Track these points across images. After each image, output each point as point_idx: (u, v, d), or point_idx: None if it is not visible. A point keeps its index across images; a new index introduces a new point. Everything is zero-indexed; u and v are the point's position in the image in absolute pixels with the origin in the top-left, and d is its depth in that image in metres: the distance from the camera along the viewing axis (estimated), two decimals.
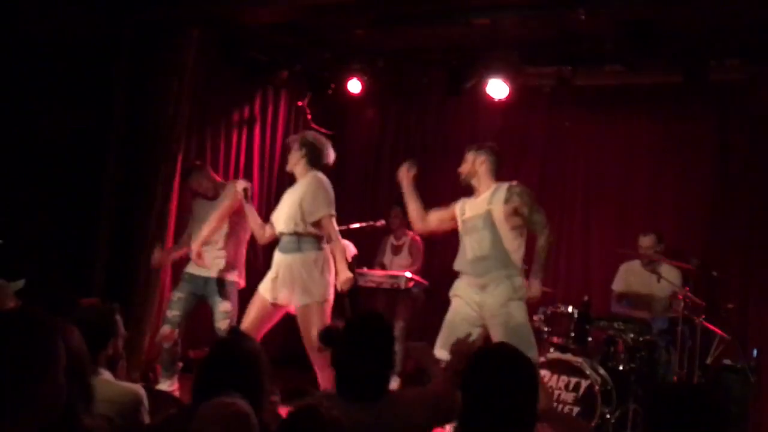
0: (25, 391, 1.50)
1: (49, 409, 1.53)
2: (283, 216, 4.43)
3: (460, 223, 4.24)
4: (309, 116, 6.66)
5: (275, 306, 4.37)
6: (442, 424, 2.73)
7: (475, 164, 4.19)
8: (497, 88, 5.83)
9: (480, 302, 4.04)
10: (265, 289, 4.40)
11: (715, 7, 4.80)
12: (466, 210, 4.22)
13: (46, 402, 1.53)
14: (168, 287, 5.24)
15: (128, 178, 5.13)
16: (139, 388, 2.63)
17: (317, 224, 4.33)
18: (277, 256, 4.44)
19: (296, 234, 4.35)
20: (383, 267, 6.02)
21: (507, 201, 4.07)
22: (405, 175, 4.34)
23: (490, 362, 2.01)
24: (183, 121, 5.14)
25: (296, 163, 4.52)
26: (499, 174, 4.22)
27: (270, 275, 4.42)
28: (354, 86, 6.29)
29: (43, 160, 4.80)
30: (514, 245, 4.06)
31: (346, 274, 4.32)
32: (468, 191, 4.30)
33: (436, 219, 4.38)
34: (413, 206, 4.37)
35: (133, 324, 4.77)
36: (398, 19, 5.37)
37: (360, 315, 2.61)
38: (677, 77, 5.40)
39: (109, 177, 5.10)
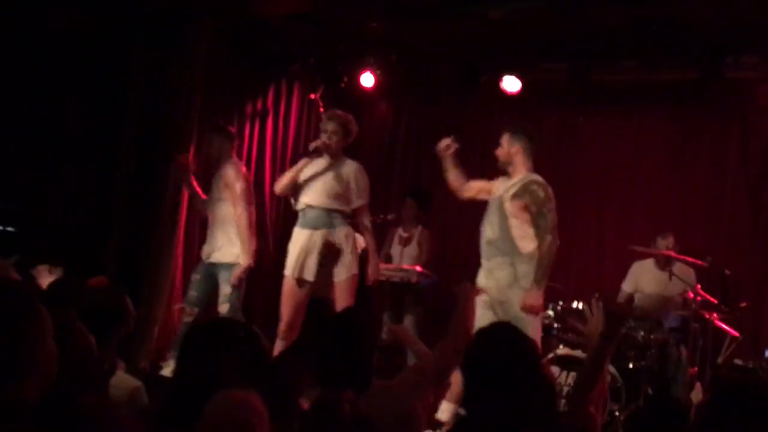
0: (19, 356, 1.54)
1: (45, 373, 1.56)
2: (320, 190, 4.45)
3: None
4: (321, 109, 6.64)
5: (310, 285, 4.42)
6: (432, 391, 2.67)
7: (511, 152, 4.21)
8: (511, 83, 5.81)
9: (485, 286, 4.10)
10: (295, 271, 4.42)
11: (732, 3, 4.74)
12: (494, 190, 4.30)
13: (40, 367, 1.57)
14: (179, 277, 5.26)
15: (141, 168, 5.16)
16: (135, 381, 2.65)
17: (354, 209, 4.54)
18: (305, 233, 4.44)
19: (329, 210, 4.45)
20: (389, 259, 6.01)
21: (518, 196, 4.09)
22: (446, 148, 4.37)
23: (489, 342, 2.01)
24: (195, 112, 5.15)
25: (332, 140, 4.49)
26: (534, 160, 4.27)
27: (296, 254, 4.42)
28: (367, 80, 6.27)
29: (58, 149, 4.85)
30: (521, 233, 4.07)
31: (377, 265, 4.61)
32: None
33: (475, 187, 4.44)
34: (453, 173, 4.40)
35: (144, 313, 4.81)
36: (412, 11, 5.35)
37: (337, 313, 2.63)
38: (694, 74, 5.36)
39: (123, 167, 5.13)
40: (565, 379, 4.72)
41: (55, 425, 1.37)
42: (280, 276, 4.60)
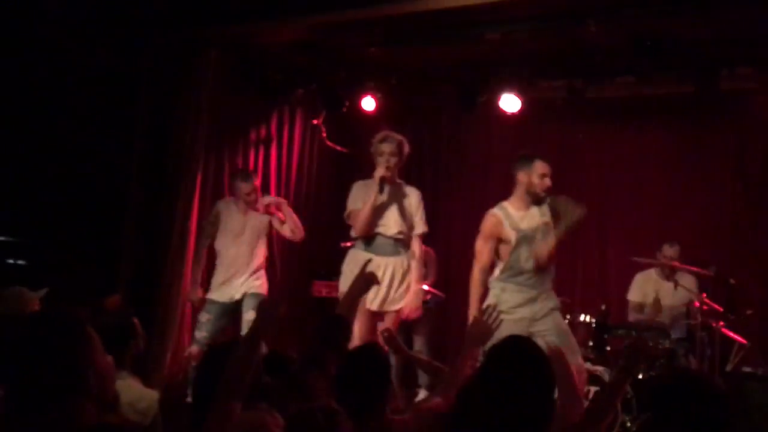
0: (76, 376, 1.61)
1: (103, 384, 1.62)
2: (393, 218, 4.49)
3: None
4: (324, 134, 6.75)
5: (376, 315, 4.42)
6: None
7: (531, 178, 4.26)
8: (510, 102, 5.89)
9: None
10: (374, 303, 4.39)
11: (725, 16, 4.84)
12: (518, 225, 4.23)
13: (97, 380, 1.62)
14: (189, 306, 5.30)
15: (150, 197, 5.23)
16: (154, 393, 2.69)
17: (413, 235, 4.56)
18: (378, 260, 4.33)
19: (395, 239, 4.49)
20: None
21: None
22: None
23: (504, 355, 2.03)
24: (202, 140, 5.24)
25: (390, 163, 4.44)
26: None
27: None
28: (368, 104, 6.36)
29: (68, 176, 4.92)
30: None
31: (419, 296, 4.61)
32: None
33: (491, 257, 4.31)
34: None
35: (155, 341, 4.84)
36: (410, 35, 5.46)
37: (358, 346, 2.66)
38: (689, 87, 5.44)
39: (132, 196, 5.21)
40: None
41: None
42: (291, 301, 4.66)
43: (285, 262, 6.24)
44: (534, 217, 4.20)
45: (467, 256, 6.27)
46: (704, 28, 5.02)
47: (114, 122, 5.12)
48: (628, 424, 4.64)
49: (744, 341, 4.88)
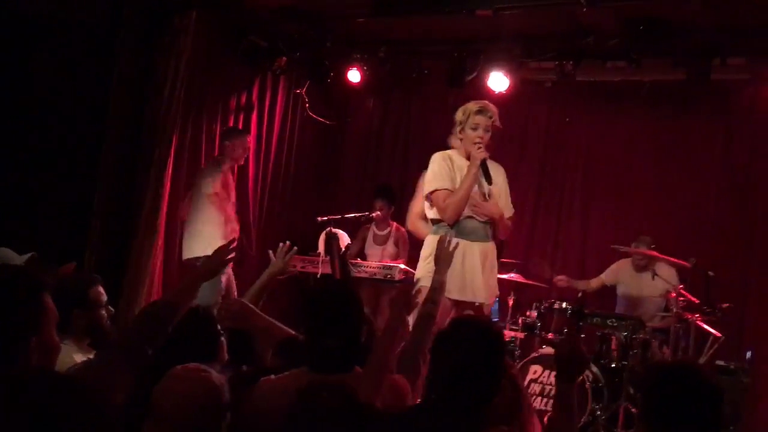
0: (17, 342, 1.58)
1: (45, 359, 1.56)
2: (504, 202, 3.94)
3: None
4: (307, 105, 6.62)
5: (460, 305, 3.75)
6: None
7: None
8: (498, 81, 5.79)
9: None
10: (464, 293, 3.75)
11: (720, 5, 4.75)
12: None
13: (39, 351, 1.60)
14: (159, 272, 5.20)
15: (124, 161, 5.09)
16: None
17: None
18: (465, 243, 3.69)
19: (486, 222, 3.88)
20: (363, 257, 5.98)
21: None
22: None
23: (458, 332, 2.09)
24: (178, 106, 5.08)
25: (485, 138, 3.83)
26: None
27: (453, 268, 3.47)
28: (354, 76, 6.24)
29: (39, 140, 4.76)
30: None
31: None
32: None
33: None
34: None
35: (124, 306, 4.75)
36: (400, 7, 5.32)
37: (325, 287, 2.58)
38: (680, 75, 5.36)
39: (105, 159, 5.06)
40: (548, 378, 4.71)
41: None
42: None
43: (261, 235, 6.13)
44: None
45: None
46: (698, 16, 4.93)
47: (88, 83, 4.95)
48: (598, 413, 4.62)
49: (718, 334, 4.86)
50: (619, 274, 5.60)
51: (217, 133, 5.77)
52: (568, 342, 2.36)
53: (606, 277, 5.66)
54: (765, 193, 5.73)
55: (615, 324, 4.94)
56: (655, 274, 5.12)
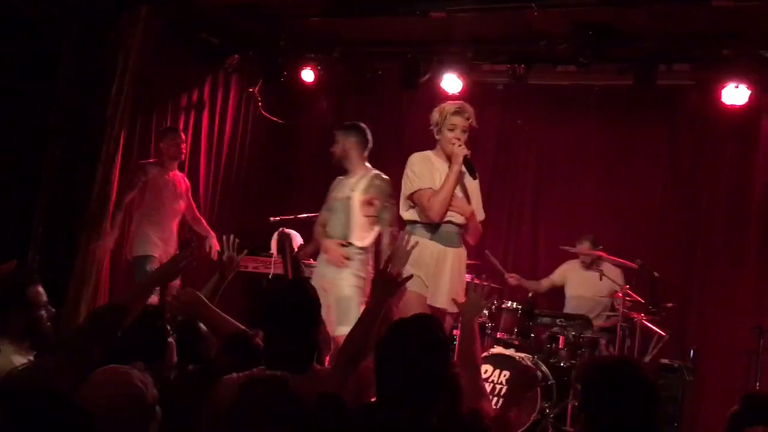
0: None
1: None
2: (477, 205, 3.89)
3: (328, 198, 4.36)
4: (260, 103, 6.56)
5: (436, 311, 3.59)
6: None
7: (346, 147, 4.29)
8: (451, 83, 5.84)
9: (323, 272, 4.20)
10: (423, 289, 3.67)
11: (666, 13, 4.89)
12: (334, 188, 4.35)
13: None
14: (107, 272, 5.09)
15: (70, 158, 4.97)
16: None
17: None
18: (441, 249, 3.72)
19: (461, 226, 3.82)
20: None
21: (366, 191, 4.18)
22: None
23: (402, 333, 2.08)
24: (127, 103, 4.97)
25: (463, 139, 3.82)
26: (369, 155, 4.34)
27: (428, 272, 3.66)
28: (307, 75, 6.21)
29: None
30: (362, 227, 4.15)
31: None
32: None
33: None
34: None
35: (70, 305, 4.64)
36: (354, 8, 5.31)
37: (285, 288, 2.57)
38: (628, 80, 5.49)
39: (50, 157, 4.93)
40: (498, 377, 4.77)
41: None
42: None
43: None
44: (344, 188, 4.28)
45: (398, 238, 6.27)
46: (645, 23, 5.06)
47: (34, 78, 4.81)
48: (547, 411, 4.70)
49: (663, 333, 4.99)
50: (568, 273, 5.72)
51: None
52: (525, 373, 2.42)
53: (555, 277, 5.77)
54: (708, 196, 5.91)
55: (563, 323, 5.04)
56: (602, 274, 5.23)
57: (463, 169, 3.78)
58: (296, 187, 7.03)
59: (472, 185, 3.91)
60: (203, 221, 5.54)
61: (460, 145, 3.74)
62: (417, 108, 6.78)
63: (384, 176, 4.27)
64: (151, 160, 5.30)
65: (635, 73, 5.41)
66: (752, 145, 5.74)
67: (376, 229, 4.16)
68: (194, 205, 5.53)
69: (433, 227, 3.76)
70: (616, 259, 5.26)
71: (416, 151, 6.67)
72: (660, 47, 5.34)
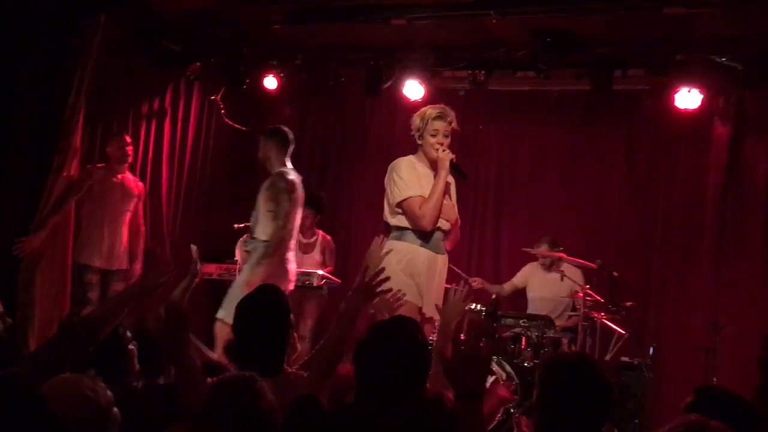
0: None
1: None
2: (446, 209, 3.77)
3: None
4: (222, 111, 6.54)
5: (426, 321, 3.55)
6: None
7: (266, 151, 4.56)
8: (413, 90, 5.90)
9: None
10: (418, 298, 3.58)
11: (622, 19, 5.02)
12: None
13: None
14: (60, 281, 5.02)
15: (29, 166, 4.91)
16: None
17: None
18: (432, 256, 3.65)
19: (445, 231, 3.77)
20: None
21: (267, 188, 4.46)
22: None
23: (381, 335, 2.12)
24: (80, 112, 4.92)
25: (447, 142, 3.76)
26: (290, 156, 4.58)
27: (422, 280, 3.58)
28: (270, 83, 6.21)
29: None
30: (264, 222, 4.41)
31: None
32: None
33: None
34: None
35: (20, 315, 4.59)
36: (316, 15, 5.34)
37: (255, 293, 2.59)
38: (585, 85, 5.62)
39: (10, 167, 4.87)
40: None
41: None
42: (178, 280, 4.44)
43: (175, 242, 6.00)
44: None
45: (366, 242, 6.31)
46: (601, 30, 5.19)
47: None
48: (512, 410, 4.76)
49: (623, 332, 5.11)
50: (529, 276, 5.81)
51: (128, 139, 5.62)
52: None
53: (517, 280, 5.86)
54: (665, 198, 6.07)
55: (526, 324, 5.11)
56: (563, 275, 5.34)
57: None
58: None
59: (453, 189, 3.89)
60: (142, 239, 5.33)
61: (444, 150, 3.69)
62: (380, 114, 6.86)
63: (285, 175, 4.45)
64: (99, 165, 5.23)
65: (592, 78, 5.53)
66: (705, 148, 5.92)
67: (280, 223, 4.35)
68: (141, 215, 5.37)
69: (424, 234, 3.68)
70: (576, 259, 5.37)
71: (379, 156, 6.74)
72: (616, 53, 5.47)
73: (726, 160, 5.81)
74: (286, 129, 4.65)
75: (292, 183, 4.42)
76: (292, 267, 4.48)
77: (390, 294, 2.87)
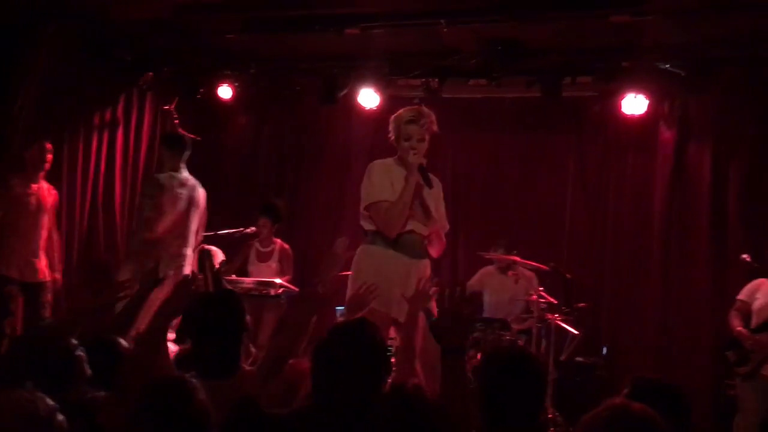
0: None
1: None
2: (420, 214, 3.61)
3: None
4: (177, 121, 6.48)
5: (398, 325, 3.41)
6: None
7: (161, 156, 5.08)
8: (368, 98, 5.95)
9: None
10: (391, 307, 3.40)
11: (570, 28, 5.16)
12: None
13: None
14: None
15: None
16: None
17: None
18: (407, 261, 3.51)
19: (425, 237, 3.64)
20: (246, 274, 5.92)
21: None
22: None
23: (338, 338, 2.15)
24: (26, 121, 4.84)
25: (423, 148, 3.62)
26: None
27: (392, 286, 3.38)
28: (224, 92, 6.20)
29: None
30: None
31: None
32: None
33: None
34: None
35: None
36: (270, 24, 5.36)
37: (212, 299, 2.62)
38: (536, 92, 5.75)
39: None
40: None
41: None
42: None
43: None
44: None
45: (324, 249, 6.31)
46: (550, 38, 5.32)
47: None
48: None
49: (577, 332, 5.22)
50: (485, 279, 5.89)
51: (80, 151, 5.55)
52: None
53: (473, 284, 5.92)
54: (615, 202, 6.23)
55: (482, 327, 5.19)
56: (517, 278, 5.44)
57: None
58: (217, 204, 6.97)
59: (433, 195, 3.73)
60: (57, 251, 5.10)
61: (415, 153, 3.55)
62: (336, 122, 6.89)
63: (153, 176, 5.10)
64: (17, 173, 4.97)
65: (542, 85, 5.67)
66: (652, 153, 6.10)
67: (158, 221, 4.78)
68: (55, 225, 5.14)
69: (396, 238, 3.52)
70: (530, 262, 5.47)
71: (336, 164, 6.72)
72: (564, 61, 5.62)
73: (672, 165, 6.00)
74: (181, 134, 5.02)
75: (160, 185, 4.86)
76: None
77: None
